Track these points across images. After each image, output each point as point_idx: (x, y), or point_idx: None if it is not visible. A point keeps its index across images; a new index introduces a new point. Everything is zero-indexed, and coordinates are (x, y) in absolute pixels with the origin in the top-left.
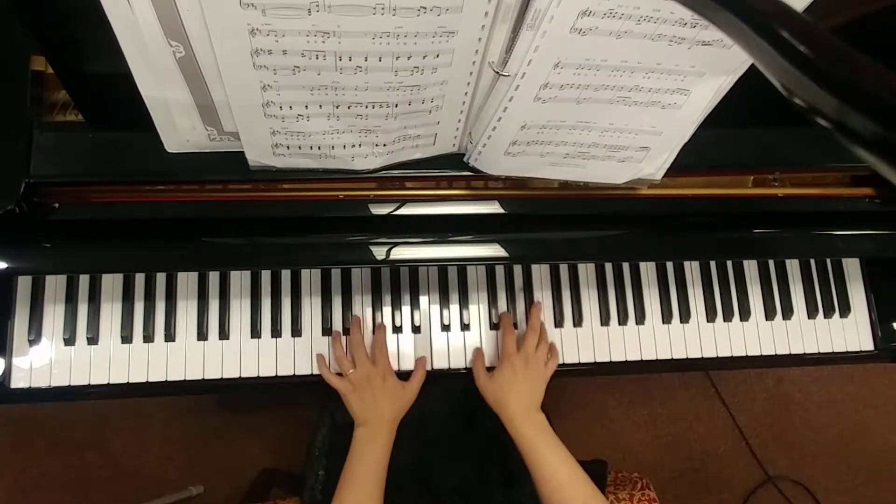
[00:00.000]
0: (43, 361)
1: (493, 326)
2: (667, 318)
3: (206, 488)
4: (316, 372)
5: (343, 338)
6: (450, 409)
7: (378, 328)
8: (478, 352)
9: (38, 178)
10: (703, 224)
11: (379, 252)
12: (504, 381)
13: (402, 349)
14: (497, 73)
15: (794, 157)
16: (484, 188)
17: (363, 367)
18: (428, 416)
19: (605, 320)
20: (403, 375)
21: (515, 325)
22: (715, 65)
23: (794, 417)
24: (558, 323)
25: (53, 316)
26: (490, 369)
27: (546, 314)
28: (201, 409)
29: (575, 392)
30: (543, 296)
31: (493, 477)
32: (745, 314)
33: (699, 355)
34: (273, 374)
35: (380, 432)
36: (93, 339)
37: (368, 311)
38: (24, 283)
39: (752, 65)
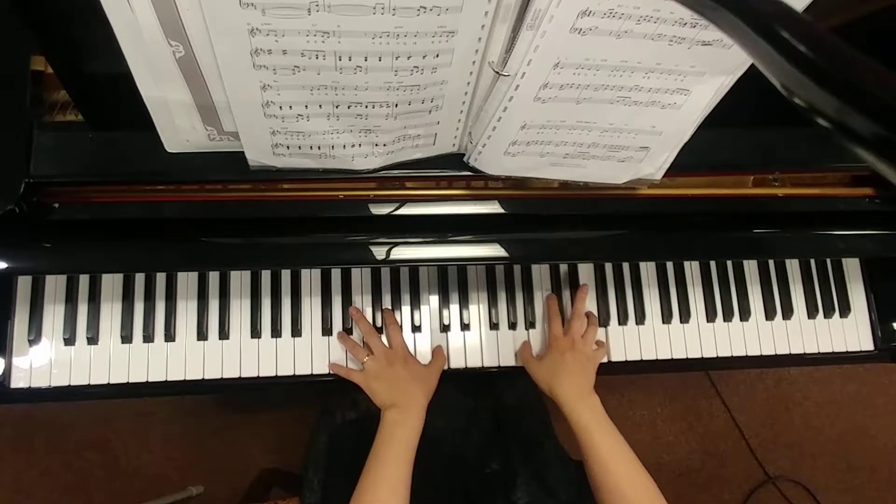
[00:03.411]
0: (43, 361)
1: (493, 326)
2: (667, 318)
3: (206, 488)
4: (317, 372)
5: (346, 334)
6: (448, 409)
7: (386, 313)
8: (524, 342)
9: (38, 178)
10: (703, 224)
11: (379, 252)
12: (552, 364)
13: None
14: (497, 73)
15: (794, 157)
16: (484, 188)
17: (380, 352)
18: (427, 415)
19: (604, 320)
20: None
21: (530, 324)
22: (715, 65)
23: (794, 417)
24: None
25: (53, 316)
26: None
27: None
28: (201, 409)
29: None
30: (543, 296)
31: (492, 476)
32: (745, 314)
33: (699, 355)
34: (273, 374)
35: (410, 415)
36: (93, 339)
37: (368, 311)
38: (24, 283)
39: (752, 65)
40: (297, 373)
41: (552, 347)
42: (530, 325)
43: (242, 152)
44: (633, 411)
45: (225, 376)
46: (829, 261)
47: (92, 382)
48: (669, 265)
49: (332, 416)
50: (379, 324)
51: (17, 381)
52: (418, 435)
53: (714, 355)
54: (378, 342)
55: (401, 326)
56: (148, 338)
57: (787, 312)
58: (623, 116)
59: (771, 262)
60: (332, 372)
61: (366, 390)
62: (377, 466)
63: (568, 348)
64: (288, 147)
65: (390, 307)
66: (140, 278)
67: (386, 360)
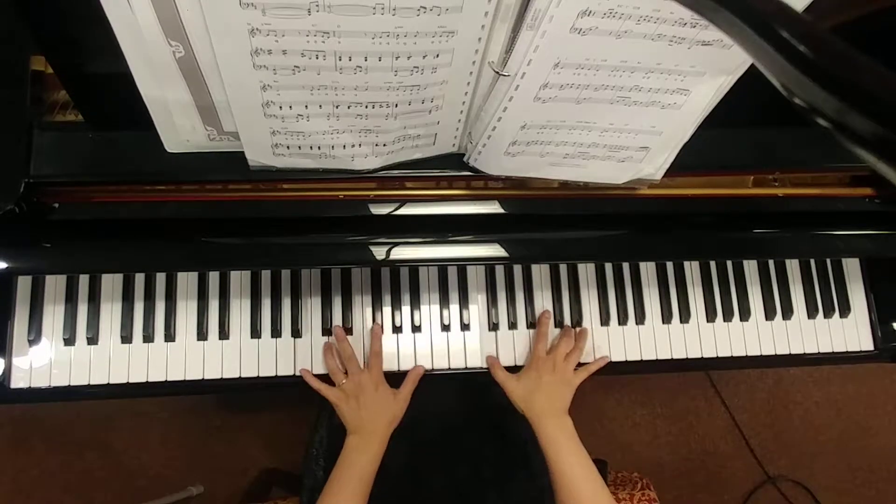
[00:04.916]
0: (43, 361)
1: (493, 327)
2: (667, 318)
3: (206, 488)
4: (317, 372)
5: (334, 348)
6: (444, 408)
7: (374, 336)
8: (492, 358)
9: (38, 178)
10: (703, 224)
11: (379, 252)
12: (529, 383)
13: (402, 349)
14: (497, 73)
15: (794, 157)
16: (484, 188)
17: (355, 376)
18: (422, 415)
19: (604, 320)
20: (403, 376)
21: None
22: (715, 65)
23: (794, 417)
24: (558, 323)
25: (53, 316)
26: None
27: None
28: (201, 409)
29: (575, 391)
30: (543, 296)
31: (487, 476)
32: (745, 314)
33: (699, 355)
34: (273, 374)
35: (371, 442)
36: (93, 339)
37: (368, 310)
38: (24, 283)
39: (752, 65)
40: (297, 373)
41: (531, 367)
42: (530, 325)
43: (242, 152)
44: (633, 411)
45: (225, 376)
46: (829, 261)
47: (92, 382)
48: (669, 265)
49: (330, 417)
50: (379, 322)
51: (17, 381)
52: (376, 463)
53: (714, 355)
54: (355, 367)
55: (397, 328)
56: (148, 338)
57: (787, 312)
58: (623, 116)
59: (771, 262)
60: (308, 381)
61: (336, 410)
62: (333, 491)
63: (547, 370)
64: (288, 147)
65: (390, 307)
66: (140, 278)
67: (357, 385)
